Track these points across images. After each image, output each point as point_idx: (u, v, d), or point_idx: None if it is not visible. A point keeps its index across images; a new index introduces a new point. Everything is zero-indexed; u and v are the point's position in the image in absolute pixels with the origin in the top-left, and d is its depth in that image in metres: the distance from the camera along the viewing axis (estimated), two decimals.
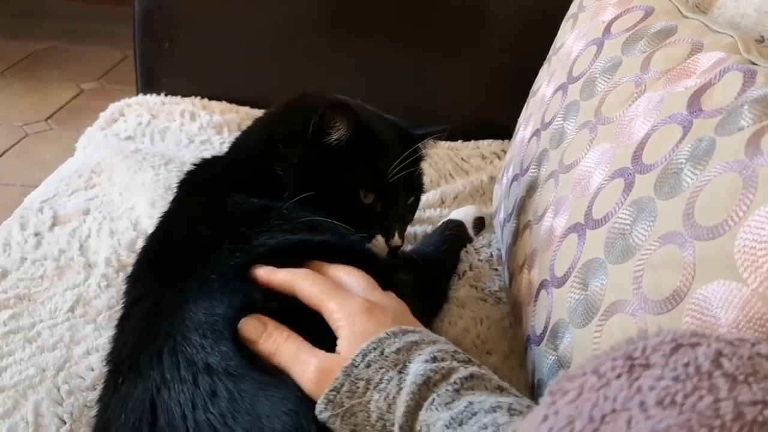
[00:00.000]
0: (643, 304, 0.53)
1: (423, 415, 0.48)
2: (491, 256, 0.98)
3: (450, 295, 0.89)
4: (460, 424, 0.46)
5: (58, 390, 0.71)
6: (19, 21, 3.00)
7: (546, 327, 0.67)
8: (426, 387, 0.49)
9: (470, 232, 1.01)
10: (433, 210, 1.08)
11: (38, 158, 2.02)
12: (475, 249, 0.99)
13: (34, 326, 0.80)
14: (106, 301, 0.83)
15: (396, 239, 0.78)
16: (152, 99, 1.31)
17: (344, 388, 0.50)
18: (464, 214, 1.03)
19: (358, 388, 0.50)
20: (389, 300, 0.59)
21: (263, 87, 1.22)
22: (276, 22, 1.33)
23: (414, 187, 0.84)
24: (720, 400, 0.29)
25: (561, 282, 0.66)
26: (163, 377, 0.55)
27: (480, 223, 1.03)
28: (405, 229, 0.84)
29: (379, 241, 0.77)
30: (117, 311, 0.76)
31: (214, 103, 1.31)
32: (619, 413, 0.31)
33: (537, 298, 0.72)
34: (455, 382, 0.49)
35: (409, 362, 0.51)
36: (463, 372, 0.50)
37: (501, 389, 0.50)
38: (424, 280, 0.83)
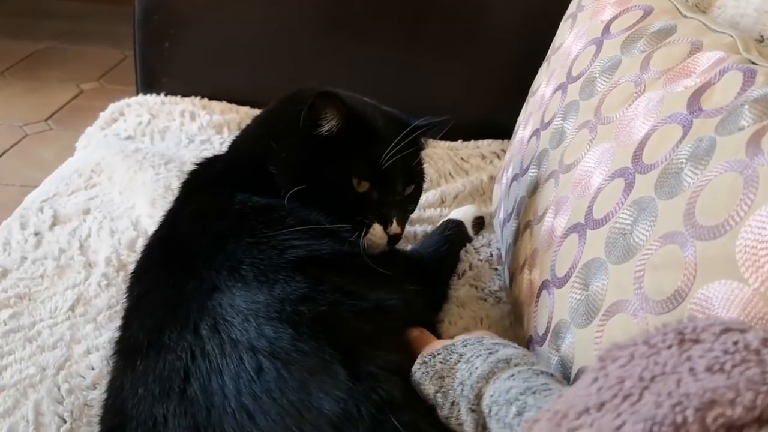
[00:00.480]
0: (644, 304, 0.53)
1: (497, 381, 0.52)
2: (491, 255, 0.98)
3: (450, 294, 0.89)
4: (534, 393, 0.49)
5: (59, 389, 0.71)
6: (19, 21, 2.99)
7: (548, 327, 0.67)
8: (506, 363, 0.54)
9: (470, 231, 1.01)
10: (433, 210, 1.08)
11: (38, 158, 2.01)
12: (475, 248, 0.99)
13: (34, 325, 0.80)
14: (107, 300, 0.84)
15: (395, 226, 0.77)
16: (152, 99, 1.31)
17: (440, 356, 0.58)
18: (464, 213, 1.03)
19: (451, 358, 0.58)
20: None
21: (263, 87, 1.22)
22: (276, 22, 1.33)
23: (413, 175, 0.83)
24: None
25: (562, 282, 0.66)
26: (203, 349, 0.57)
27: (480, 223, 1.03)
28: (406, 219, 0.83)
29: (377, 230, 0.76)
30: (120, 307, 0.77)
31: (214, 103, 1.31)
32: (669, 375, 0.32)
33: (538, 299, 0.71)
34: (536, 370, 0.53)
35: (499, 350, 0.57)
36: (544, 369, 0.55)
37: None
38: (425, 280, 0.82)
